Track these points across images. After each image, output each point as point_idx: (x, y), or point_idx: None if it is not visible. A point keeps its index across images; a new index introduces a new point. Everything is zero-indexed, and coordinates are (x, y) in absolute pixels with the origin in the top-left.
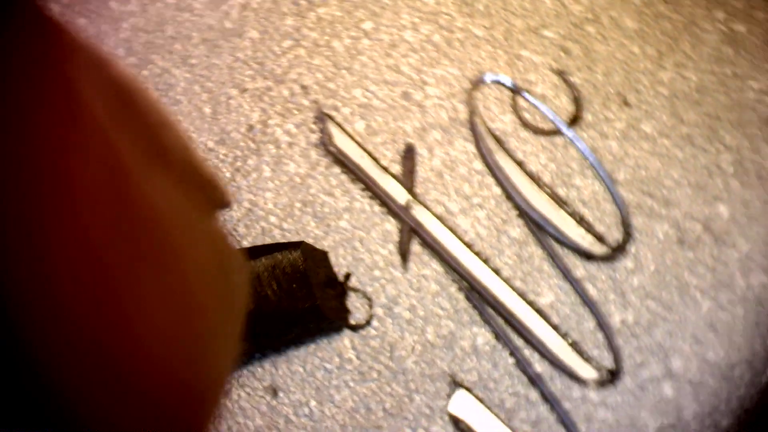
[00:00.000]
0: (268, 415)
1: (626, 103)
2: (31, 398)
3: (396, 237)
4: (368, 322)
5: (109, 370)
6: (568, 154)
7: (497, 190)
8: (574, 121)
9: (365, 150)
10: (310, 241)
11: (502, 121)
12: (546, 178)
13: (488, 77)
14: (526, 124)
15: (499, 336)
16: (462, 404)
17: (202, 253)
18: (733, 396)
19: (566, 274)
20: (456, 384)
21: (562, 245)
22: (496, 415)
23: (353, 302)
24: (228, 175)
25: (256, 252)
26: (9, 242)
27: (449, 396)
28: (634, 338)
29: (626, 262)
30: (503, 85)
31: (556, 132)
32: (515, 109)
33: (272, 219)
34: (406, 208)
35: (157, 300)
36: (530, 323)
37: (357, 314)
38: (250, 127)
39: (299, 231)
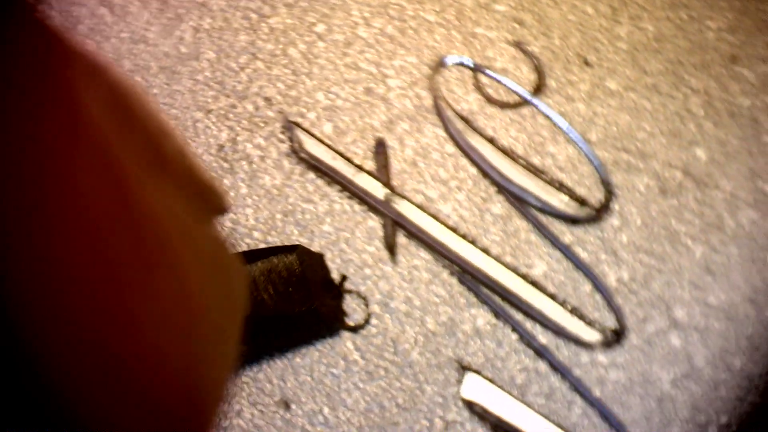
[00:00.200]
0: (284, 429)
1: (587, 64)
2: (31, 398)
3: (380, 232)
4: (367, 322)
5: (109, 370)
6: (537, 124)
7: (473, 170)
8: (538, 89)
9: (336, 151)
10: None
11: (467, 101)
12: (519, 150)
13: (447, 60)
14: (491, 101)
15: (498, 314)
16: (473, 387)
17: (200, 257)
18: (741, 335)
19: (554, 242)
20: (464, 368)
21: (546, 214)
22: (508, 392)
23: (349, 304)
24: None
25: (252, 256)
26: (10, 244)
27: (459, 381)
28: (633, 295)
29: (612, 221)
30: (463, 65)
31: (522, 103)
32: (478, 88)
33: (256, 234)
34: (386, 202)
35: (157, 303)
36: (527, 296)
37: (355, 315)
38: (221, 147)
39: (284, 242)
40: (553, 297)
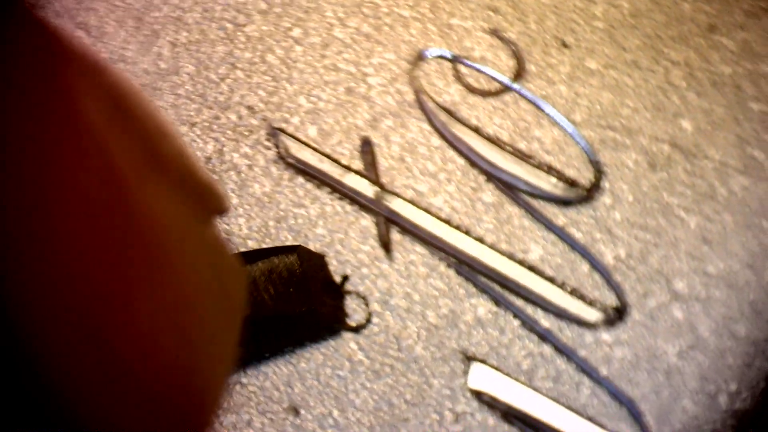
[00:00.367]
0: None
1: (565, 45)
2: (31, 398)
3: (374, 231)
4: (368, 321)
5: (107, 369)
6: (520, 109)
7: (461, 161)
8: (519, 75)
9: (323, 154)
10: None
11: (449, 93)
12: (505, 137)
13: (426, 54)
14: (472, 90)
15: (498, 302)
16: (480, 377)
17: (198, 257)
18: (743, 302)
19: (548, 225)
20: (469, 359)
21: (538, 198)
22: (515, 379)
23: (350, 304)
24: None
25: (252, 256)
26: (8, 245)
27: (466, 372)
28: (631, 271)
29: (604, 199)
30: (442, 57)
31: (504, 90)
32: (459, 78)
33: (251, 243)
34: (377, 200)
35: (153, 301)
36: (526, 282)
37: (355, 315)
38: (208, 159)
39: None
40: (551, 280)
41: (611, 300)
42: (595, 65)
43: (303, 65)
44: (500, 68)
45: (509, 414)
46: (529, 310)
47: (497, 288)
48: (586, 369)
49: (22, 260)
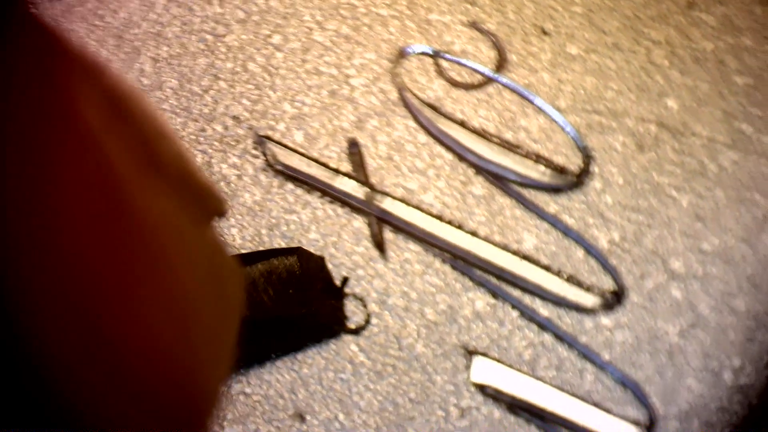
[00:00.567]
0: None
1: (545, 33)
2: (32, 397)
3: (367, 232)
4: (367, 322)
5: (106, 367)
6: (504, 100)
7: (449, 156)
8: (501, 65)
9: (311, 158)
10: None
11: (432, 88)
12: (491, 129)
13: (406, 51)
14: (456, 84)
15: (496, 294)
16: (483, 370)
17: (194, 258)
18: (741, 276)
19: (540, 214)
20: (470, 353)
21: (528, 187)
22: (518, 370)
23: (348, 306)
24: None
25: (252, 258)
26: (8, 244)
27: (468, 367)
28: (626, 254)
29: (594, 184)
30: (423, 54)
31: (487, 82)
32: (441, 73)
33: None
34: (368, 201)
35: (151, 300)
36: (522, 272)
37: (354, 317)
38: None
39: None
40: (547, 268)
41: (608, 284)
42: (576, 50)
43: (285, 71)
44: (482, 60)
45: (514, 405)
46: (527, 300)
47: (494, 280)
48: (588, 355)
49: (21, 259)
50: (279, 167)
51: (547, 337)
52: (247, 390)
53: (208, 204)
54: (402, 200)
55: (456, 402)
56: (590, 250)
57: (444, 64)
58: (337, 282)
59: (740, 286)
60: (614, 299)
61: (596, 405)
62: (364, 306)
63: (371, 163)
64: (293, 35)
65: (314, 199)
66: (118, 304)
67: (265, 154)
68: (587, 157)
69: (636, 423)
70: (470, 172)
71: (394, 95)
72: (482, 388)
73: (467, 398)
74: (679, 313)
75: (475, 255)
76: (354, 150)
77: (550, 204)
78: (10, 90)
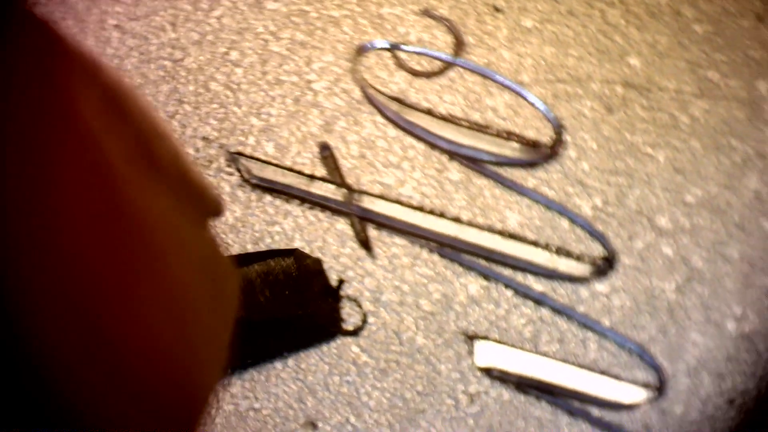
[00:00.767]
0: None
1: (498, 10)
2: (32, 398)
3: (351, 232)
4: (364, 322)
5: (104, 364)
6: (467, 82)
7: (421, 146)
8: (459, 49)
9: (285, 168)
10: None
11: (395, 81)
12: (458, 113)
13: (363, 48)
14: (417, 74)
15: (488, 276)
16: (486, 354)
17: (190, 257)
18: (729, 224)
19: (520, 190)
20: (471, 338)
21: (503, 166)
22: (521, 348)
23: (344, 309)
24: None
25: (248, 259)
26: (7, 244)
27: (471, 352)
28: (611, 217)
29: (569, 153)
30: (380, 48)
31: (447, 67)
32: (401, 65)
33: None
34: (348, 202)
35: (147, 298)
36: (510, 250)
37: (351, 319)
38: None
39: None
40: (535, 243)
41: (598, 250)
42: (531, 23)
43: (247, 86)
44: (439, 46)
45: (522, 384)
46: (520, 277)
47: (483, 263)
48: (588, 324)
49: (21, 259)
50: (255, 181)
51: (545, 312)
52: (256, 405)
53: (205, 204)
54: (381, 196)
55: (464, 389)
56: (575, 219)
57: (402, 55)
58: (334, 284)
59: (730, 233)
60: (606, 265)
61: (604, 373)
62: (359, 306)
63: (345, 163)
64: (250, 49)
65: (294, 207)
66: (118, 303)
67: (239, 170)
68: (558, 127)
69: (646, 385)
70: (444, 158)
71: (357, 94)
72: (488, 372)
73: (474, 383)
74: (673, 270)
75: (462, 240)
76: (326, 153)
77: (528, 179)
78: (10, 90)
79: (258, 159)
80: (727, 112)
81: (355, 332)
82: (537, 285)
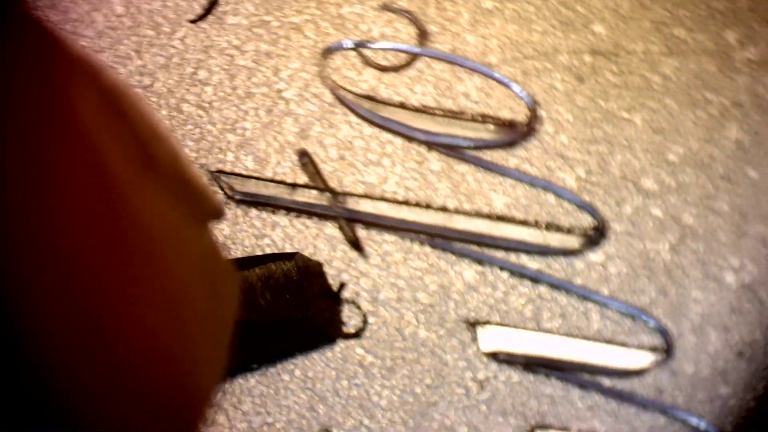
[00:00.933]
0: None
1: None
2: (32, 398)
3: (340, 235)
4: (365, 322)
5: (103, 364)
6: (436, 71)
7: (398, 141)
8: (423, 39)
9: (266, 179)
10: None
11: (363, 79)
12: (431, 103)
13: (329, 50)
14: (384, 69)
15: (481, 261)
16: (490, 338)
17: (188, 259)
18: (715, 177)
19: (502, 171)
20: (473, 325)
21: (482, 149)
22: (524, 328)
23: (344, 313)
24: None
25: (249, 262)
26: (7, 244)
27: (474, 339)
28: (596, 186)
29: (546, 128)
30: (345, 48)
31: (414, 58)
32: (368, 63)
33: None
34: (333, 206)
35: (145, 299)
36: (500, 232)
37: (351, 322)
38: None
39: None
40: (524, 222)
41: (588, 221)
42: (491, 4)
43: (218, 103)
44: (403, 39)
45: (530, 364)
46: (513, 258)
47: (476, 248)
48: (587, 295)
49: (21, 259)
50: (239, 197)
51: (543, 289)
52: (269, 420)
53: (204, 206)
54: (365, 195)
55: (473, 376)
56: (560, 192)
57: (368, 53)
58: (334, 287)
59: (717, 186)
60: (597, 234)
61: (609, 342)
62: (358, 308)
63: (325, 167)
64: (216, 66)
65: (281, 217)
66: (117, 303)
67: (222, 188)
68: (532, 104)
69: (653, 349)
70: (423, 150)
71: (328, 97)
72: (494, 356)
73: (482, 370)
74: (665, 230)
75: (451, 228)
76: (305, 160)
77: (509, 159)
78: (10, 90)
79: (239, 174)
80: (697, 67)
81: (357, 334)
82: (531, 263)
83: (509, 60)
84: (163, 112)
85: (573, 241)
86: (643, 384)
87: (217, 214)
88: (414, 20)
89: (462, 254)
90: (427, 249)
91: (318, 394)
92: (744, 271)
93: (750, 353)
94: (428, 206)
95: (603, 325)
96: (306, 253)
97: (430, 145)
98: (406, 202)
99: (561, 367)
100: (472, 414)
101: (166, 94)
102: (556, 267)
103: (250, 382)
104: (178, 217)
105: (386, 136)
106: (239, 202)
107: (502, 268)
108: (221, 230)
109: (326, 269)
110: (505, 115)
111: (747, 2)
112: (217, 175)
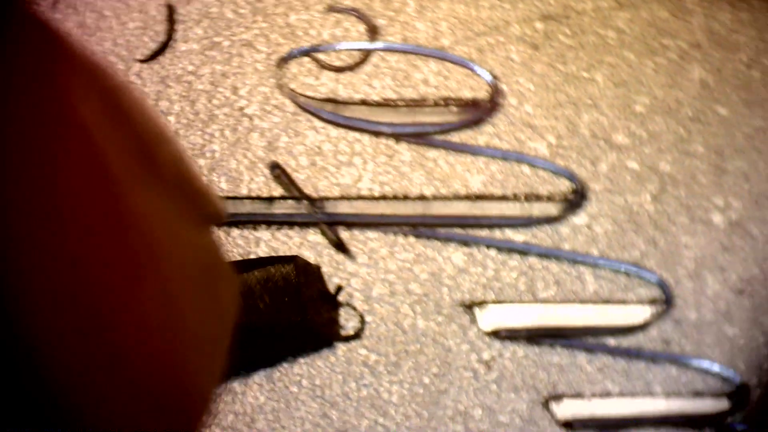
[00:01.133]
0: None
1: None
2: (32, 398)
3: (324, 240)
4: (363, 323)
5: (103, 364)
6: (391, 64)
7: (366, 138)
8: (373, 34)
9: (242, 197)
10: None
11: (322, 83)
12: (392, 95)
13: (283, 60)
14: (341, 70)
15: (467, 242)
16: (489, 317)
17: (189, 261)
18: (685, 120)
19: (473, 151)
20: (469, 307)
21: (450, 132)
22: (520, 302)
23: (342, 315)
24: None
25: (248, 265)
26: (4, 242)
27: (474, 320)
28: (569, 150)
29: (509, 101)
30: (298, 56)
31: (368, 54)
32: (323, 66)
33: None
34: (312, 213)
35: (146, 301)
36: (481, 211)
37: (350, 323)
38: None
39: None
40: (503, 197)
41: (566, 185)
42: None
43: (183, 130)
44: (354, 37)
45: (532, 336)
46: (498, 234)
47: (460, 231)
48: (578, 259)
49: (21, 259)
50: None
51: (533, 260)
52: None
53: (206, 208)
54: (342, 197)
55: (478, 358)
56: (534, 162)
57: (322, 56)
58: (333, 291)
59: (688, 130)
60: (578, 197)
61: (608, 301)
62: (354, 309)
63: (298, 176)
64: (175, 95)
65: (263, 232)
66: (117, 304)
67: None
68: (491, 80)
69: (653, 301)
70: (391, 143)
71: (290, 106)
72: (496, 334)
73: (486, 350)
74: (644, 181)
75: (432, 215)
76: (277, 172)
77: (478, 138)
78: (10, 90)
79: None
80: (650, 15)
81: (356, 335)
82: (517, 236)
83: (462, 40)
84: None
85: (554, 208)
86: (648, 338)
87: (219, 217)
88: (361, 17)
89: (447, 239)
90: (412, 239)
91: (328, 400)
92: (730, 209)
93: (750, 289)
94: (406, 197)
95: (598, 286)
96: None
97: (398, 137)
98: (383, 197)
99: (564, 335)
100: (483, 395)
101: None
102: (542, 236)
103: (260, 400)
104: (179, 218)
105: (353, 135)
106: (219, 224)
107: (489, 246)
108: None
109: None
110: (467, 95)
111: None
112: None
